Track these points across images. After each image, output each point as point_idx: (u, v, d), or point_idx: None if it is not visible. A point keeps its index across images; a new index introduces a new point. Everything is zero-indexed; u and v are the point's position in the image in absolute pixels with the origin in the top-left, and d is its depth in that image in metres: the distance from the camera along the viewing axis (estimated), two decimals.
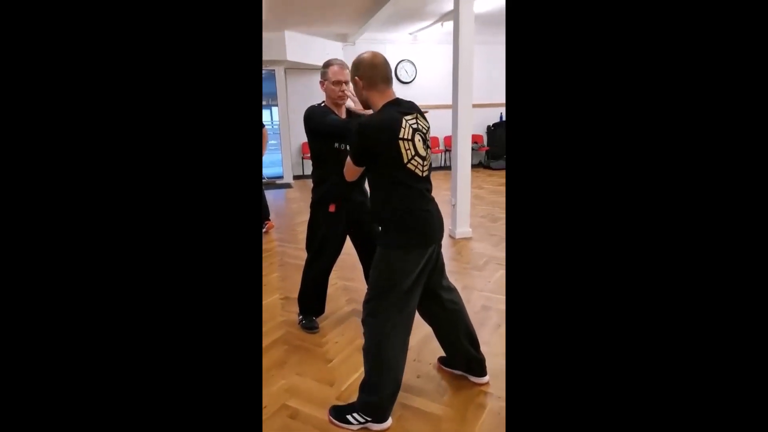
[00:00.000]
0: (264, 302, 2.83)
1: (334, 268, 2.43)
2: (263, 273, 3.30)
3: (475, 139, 7.25)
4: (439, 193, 1.68)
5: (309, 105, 2.24)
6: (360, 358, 1.72)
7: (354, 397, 1.73)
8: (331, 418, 1.72)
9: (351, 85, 1.74)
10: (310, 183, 2.43)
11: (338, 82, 2.15)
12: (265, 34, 5.37)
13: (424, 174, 1.61)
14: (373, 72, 1.58)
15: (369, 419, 1.65)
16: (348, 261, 2.87)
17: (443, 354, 2.00)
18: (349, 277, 3.15)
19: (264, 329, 2.47)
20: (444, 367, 2.03)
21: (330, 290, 2.57)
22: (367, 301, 1.65)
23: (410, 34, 7.16)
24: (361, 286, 2.86)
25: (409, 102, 1.63)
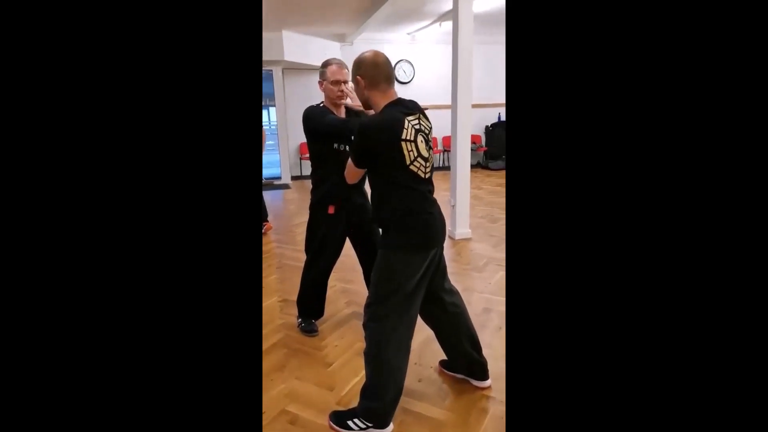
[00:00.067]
0: (263, 305, 2.80)
1: (333, 270, 2.41)
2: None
3: (474, 139, 7.22)
4: (438, 193, 1.66)
5: (306, 105, 2.22)
6: (360, 362, 1.70)
7: (354, 402, 1.70)
8: (331, 423, 1.69)
9: (350, 84, 1.72)
10: (308, 184, 2.41)
11: (337, 82, 2.12)
12: (263, 34, 5.34)
13: (427, 176, 1.58)
14: (375, 71, 1.55)
15: (370, 425, 1.62)
16: (347, 263, 2.84)
17: (444, 357, 1.97)
18: (348, 279, 3.12)
19: (263, 332, 2.44)
20: (445, 371, 2.00)
21: (329, 292, 2.54)
22: (369, 305, 1.62)
23: (408, 34, 7.15)
24: (361, 289, 2.83)
25: (412, 101, 1.60)
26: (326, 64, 2.17)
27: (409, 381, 1.87)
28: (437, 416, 1.74)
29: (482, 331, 2.25)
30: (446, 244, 3.87)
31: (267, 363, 2.15)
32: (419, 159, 1.53)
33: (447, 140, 7.58)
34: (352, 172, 1.66)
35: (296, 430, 1.69)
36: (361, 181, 2.13)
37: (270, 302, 2.85)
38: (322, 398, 1.88)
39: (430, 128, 1.63)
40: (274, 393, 1.92)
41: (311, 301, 2.42)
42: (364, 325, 1.64)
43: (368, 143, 1.51)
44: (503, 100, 7.97)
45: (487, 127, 8.10)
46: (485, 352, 1.92)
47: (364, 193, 2.25)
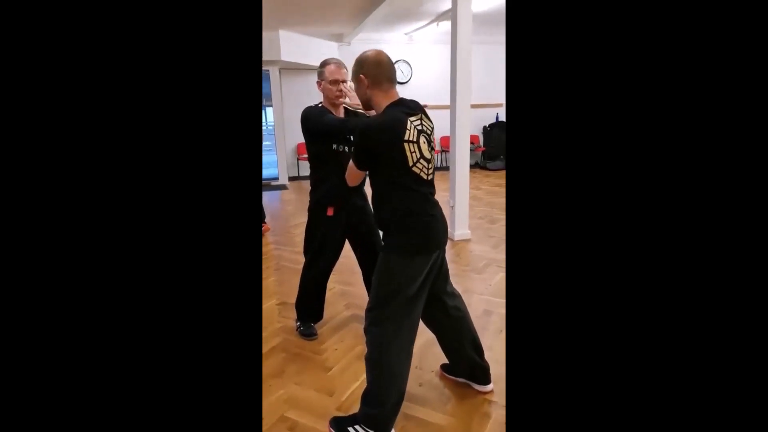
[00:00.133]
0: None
1: (332, 272, 2.37)
2: None
3: (472, 139, 7.21)
4: (437, 194, 1.64)
5: (304, 106, 2.19)
6: (360, 366, 1.67)
7: (355, 407, 1.67)
8: (331, 430, 1.66)
9: (349, 83, 1.68)
10: (305, 184, 2.38)
11: (335, 82, 2.09)
12: None
13: (429, 177, 1.55)
14: (377, 70, 1.52)
15: (371, 431, 1.59)
16: (347, 265, 2.81)
17: (446, 360, 1.94)
18: (347, 281, 3.09)
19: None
20: (447, 375, 1.98)
21: (328, 295, 2.50)
22: (370, 309, 1.59)
23: (406, 34, 7.13)
24: (360, 291, 2.80)
25: (414, 101, 1.57)
26: (324, 64, 2.14)
27: (410, 385, 1.84)
28: (439, 421, 1.72)
29: (483, 334, 2.22)
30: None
31: (265, 368, 2.11)
32: (422, 160, 1.50)
33: (444, 140, 7.56)
34: (353, 174, 1.63)
35: None
36: (361, 183, 2.11)
37: (268, 305, 2.81)
38: (321, 404, 1.85)
39: (432, 128, 1.60)
40: (273, 399, 1.88)
41: (310, 304, 2.39)
42: (365, 330, 1.60)
43: (370, 144, 1.48)
44: (501, 101, 7.96)
45: (485, 127, 8.08)
46: (486, 355, 1.89)
47: (364, 195, 2.23)
